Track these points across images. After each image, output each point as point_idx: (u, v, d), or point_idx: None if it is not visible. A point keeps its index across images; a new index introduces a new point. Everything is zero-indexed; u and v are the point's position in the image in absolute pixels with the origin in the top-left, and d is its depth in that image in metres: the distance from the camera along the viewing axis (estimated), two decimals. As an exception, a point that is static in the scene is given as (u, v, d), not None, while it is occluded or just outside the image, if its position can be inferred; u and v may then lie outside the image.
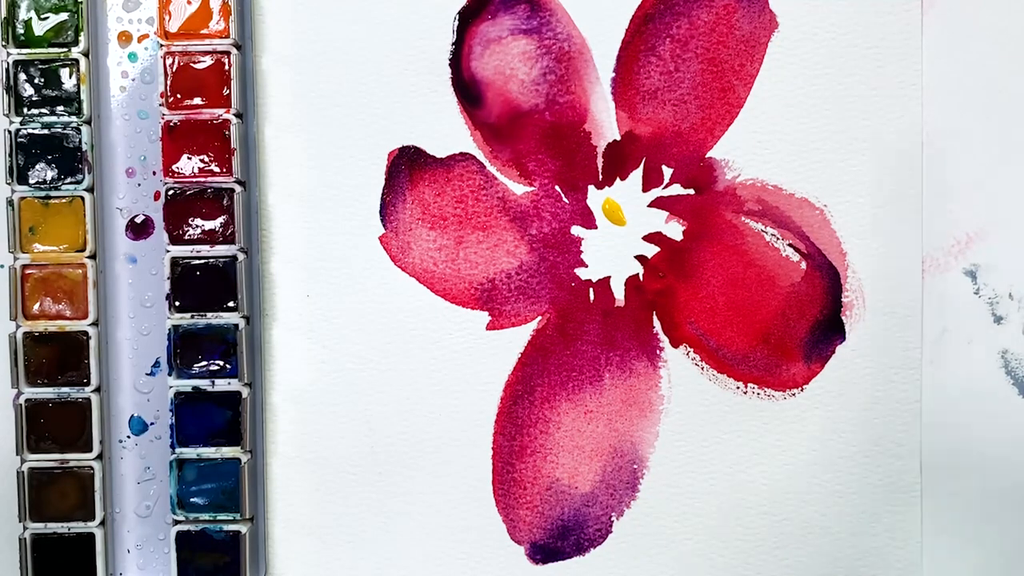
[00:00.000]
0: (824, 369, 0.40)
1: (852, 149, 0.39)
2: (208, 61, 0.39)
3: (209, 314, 0.39)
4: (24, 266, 0.39)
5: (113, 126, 0.40)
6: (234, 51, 0.39)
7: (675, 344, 0.40)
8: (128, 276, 0.40)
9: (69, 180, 0.39)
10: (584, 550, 0.40)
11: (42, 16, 0.39)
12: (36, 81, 0.39)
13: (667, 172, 0.40)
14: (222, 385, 0.39)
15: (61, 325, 0.39)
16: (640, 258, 0.40)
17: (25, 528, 0.39)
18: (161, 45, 0.39)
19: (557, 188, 0.40)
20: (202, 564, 0.39)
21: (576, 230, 0.40)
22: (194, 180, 0.39)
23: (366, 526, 0.40)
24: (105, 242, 0.40)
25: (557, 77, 0.40)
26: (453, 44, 0.40)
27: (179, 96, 0.39)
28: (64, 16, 0.39)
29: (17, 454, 0.39)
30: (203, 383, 0.39)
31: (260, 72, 0.40)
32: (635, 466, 0.40)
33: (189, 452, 0.39)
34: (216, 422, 0.39)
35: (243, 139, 0.39)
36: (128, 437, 0.41)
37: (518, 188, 0.40)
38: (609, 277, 0.40)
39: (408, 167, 0.40)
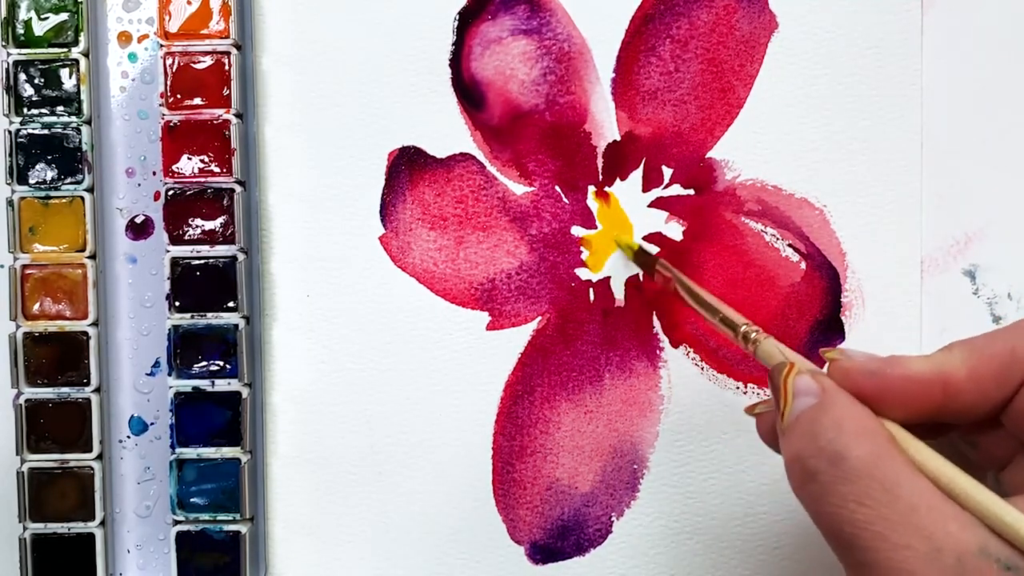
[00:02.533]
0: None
1: (852, 149, 0.40)
2: (208, 61, 0.39)
3: (209, 314, 0.39)
4: (24, 266, 0.39)
5: (113, 126, 0.40)
6: (234, 51, 0.39)
7: (675, 344, 0.40)
8: (128, 276, 0.40)
9: (69, 180, 0.39)
10: (584, 550, 0.40)
11: (42, 16, 0.39)
12: (36, 81, 0.39)
13: (667, 172, 0.40)
14: (222, 385, 0.39)
15: (61, 325, 0.39)
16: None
17: (25, 528, 0.39)
18: (161, 45, 0.39)
19: (557, 188, 0.40)
20: (202, 564, 0.39)
21: (576, 230, 0.40)
22: (194, 180, 0.39)
23: (366, 526, 0.40)
24: (105, 242, 0.40)
25: (557, 77, 0.40)
26: (453, 44, 0.40)
27: (179, 96, 0.39)
28: (64, 16, 0.39)
29: (17, 454, 0.39)
30: (203, 383, 0.39)
31: (260, 72, 0.40)
32: (635, 466, 0.40)
33: (189, 452, 0.39)
34: (216, 422, 0.39)
35: (243, 139, 0.39)
36: (128, 437, 0.41)
37: (518, 188, 0.40)
38: (609, 277, 0.40)
39: (408, 167, 0.40)
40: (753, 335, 0.31)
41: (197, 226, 0.39)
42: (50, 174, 0.39)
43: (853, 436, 0.25)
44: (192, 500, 0.39)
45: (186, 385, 0.39)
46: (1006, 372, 0.27)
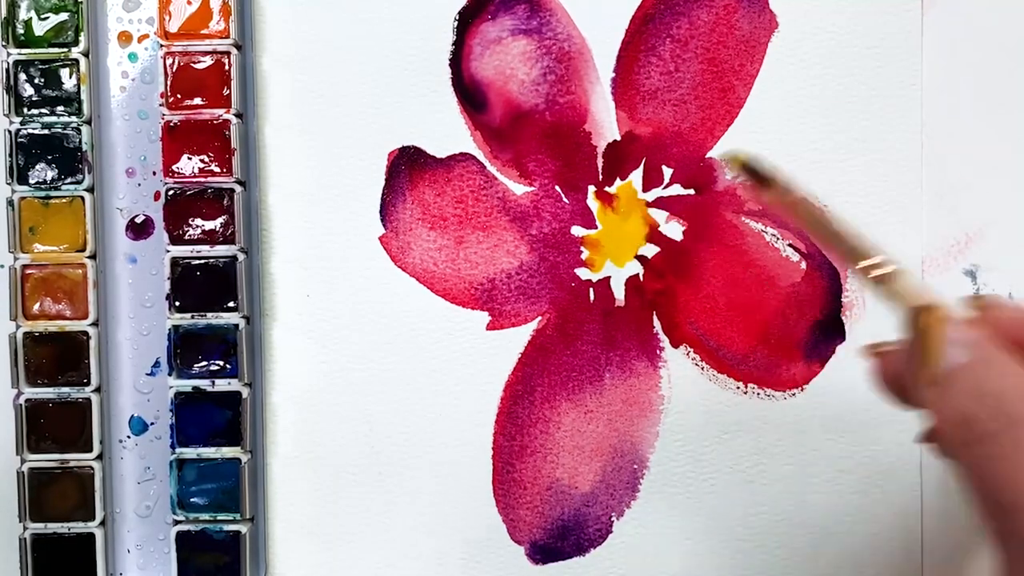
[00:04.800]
0: (824, 369, 0.40)
1: (852, 149, 0.39)
2: (208, 61, 0.39)
3: (209, 314, 0.39)
4: (24, 266, 0.39)
5: (113, 126, 0.40)
6: (234, 51, 0.39)
7: (675, 344, 0.40)
8: (128, 276, 0.40)
9: (69, 180, 0.39)
10: (584, 550, 0.40)
11: (42, 16, 0.39)
12: (36, 81, 0.39)
13: (667, 172, 0.40)
14: (222, 385, 0.39)
15: (61, 325, 0.39)
16: (640, 258, 0.40)
17: (25, 528, 0.39)
18: (161, 45, 0.39)
19: (557, 188, 0.40)
20: (202, 564, 0.39)
21: (576, 230, 0.40)
22: (194, 180, 0.39)
23: (366, 526, 0.40)
24: (105, 242, 0.40)
25: (557, 77, 0.40)
26: (453, 44, 0.40)
27: (179, 96, 0.39)
28: (64, 16, 0.39)
29: (17, 454, 0.39)
30: (203, 383, 0.39)
31: (260, 72, 0.40)
32: (635, 466, 0.40)
33: (189, 452, 0.39)
34: (216, 422, 0.39)
35: (243, 139, 0.39)
36: (128, 437, 0.41)
37: (518, 188, 0.40)
38: (609, 277, 0.40)
39: (408, 167, 0.40)
40: (888, 269, 0.28)
41: (197, 226, 0.39)
42: (50, 174, 0.39)
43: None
44: (192, 500, 0.39)
45: (186, 385, 0.39)
46: None
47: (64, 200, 0.39)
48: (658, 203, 0.40)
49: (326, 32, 0.40)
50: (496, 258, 0.40)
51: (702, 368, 0.40)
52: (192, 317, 0.39)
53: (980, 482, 0.25)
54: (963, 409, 0.25)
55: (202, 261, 0.39)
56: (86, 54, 0.39)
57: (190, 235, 0.39)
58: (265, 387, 0.40)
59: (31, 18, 0.39)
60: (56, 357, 0.39)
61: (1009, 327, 0.27)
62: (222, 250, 0.39)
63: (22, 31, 0.39)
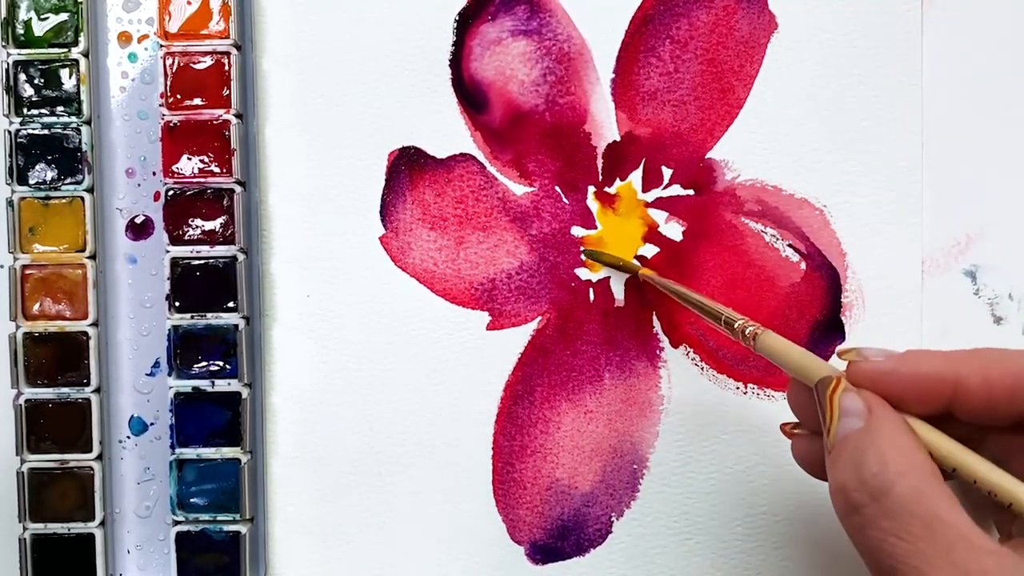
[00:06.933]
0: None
1: (852, 149, 0.39)
2: (208, 62, 0.39)
3: (209, 314, 0.39)
4: (24, 266, 0.39)
5: (113, 126, 0.40)
6: (234, 51, 0.39)
7: (675, 344, 0.40)
8: (128, 276, 0.40)
9: (69, 180, 0.39)
10: (584, 550, 0.40)
11: (42, 16, 0.39)
12: (36, 81, 0.39)
13: (667, 173, 0.40)
14: (222, 385, 0.39)
15: (61, 325, 0.39)
16: (640, 258, 0.40)
17: (25, 528, 0.39)
18: (161, 45, 0.39)
19: (557, 189, 0.40)
20: (202, 564, 0.39)
21: (576, 230, 0.40)
22: (194, 180, 0.39)
23: (366, 526, 0.40)
24: (105, 242, 0.40)
25: (557, 78, 0.40)
26: (453, 45, 0.40)
27: (179, 96, 0.39)
28: (64, 16, 0.39)
29: (17, 454, 0.39)
30: (203, 383, 0.39)
31: (260, 72, 0.40)
32: (635, 466, 0.40)
33: (189, 452, 0.39)
34: (216, 422, 0.39)
35: (243, 139, 0.39)
36: (128, 437, 0.41)
37: (518, 189, 0.40)
38: (609, 277, 0.40)
39: (408, 167, 0.40)
40: (749, 330, 0.31)
41: (197, 226, 0.39)
42: (50, 174, 0.39)
43: (896, 472, 0.26)
44: (192, 500, 0.39)
45: (186, 385, 0.39)
46: (1021, 389, 0.27)
47: (64, 200, 0.39)
48: (658, 203, 0.40)
49: (326, 32, 0.40)
50: (496, 258, 0.40)
51: (702, 368, 0.40)
52: (192, 317, 0.39)
53: (857, 545, 0.26)
54: (842, 481, 0.26)
55: (202, 261, 0.39)
56: (86, 54, 0.39)
57: (190, 235, 0.39)
58: (265, 387, 0.40)
59: (31, 18, 0.39)
60: (56, 357, 0.39)
61: (873, 375, 0.28)
62: (222, 250, 0.39)
63: (22, 31, 0.39)
